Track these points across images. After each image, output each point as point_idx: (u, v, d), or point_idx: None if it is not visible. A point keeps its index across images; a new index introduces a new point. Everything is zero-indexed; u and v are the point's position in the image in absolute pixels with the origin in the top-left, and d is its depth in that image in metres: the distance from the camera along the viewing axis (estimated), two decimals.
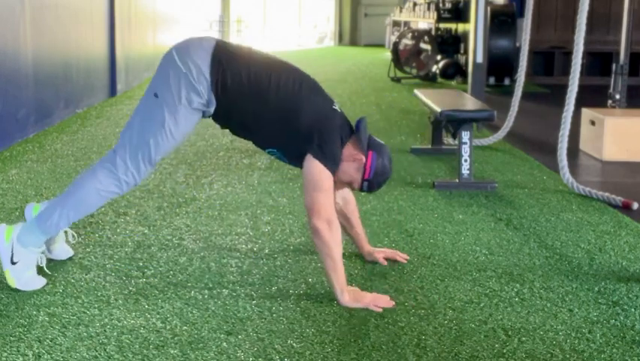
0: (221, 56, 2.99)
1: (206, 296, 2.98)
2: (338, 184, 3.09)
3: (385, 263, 3.38)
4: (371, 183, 3.06)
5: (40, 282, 3.05)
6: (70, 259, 3.35)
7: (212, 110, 3.01)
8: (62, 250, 3.36)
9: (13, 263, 2.99)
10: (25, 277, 3.01)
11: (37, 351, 2.49)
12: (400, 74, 12.01)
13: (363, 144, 3.03)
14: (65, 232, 3.40)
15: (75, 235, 3.49)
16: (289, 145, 3.05)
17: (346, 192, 3.36)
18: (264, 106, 2.99)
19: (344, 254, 3.46)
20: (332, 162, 2.97)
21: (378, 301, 2.90)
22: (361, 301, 2.89)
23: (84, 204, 3.07)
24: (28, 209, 3.29)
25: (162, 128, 2.97)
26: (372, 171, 3.03)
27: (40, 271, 3.10)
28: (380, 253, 3.43)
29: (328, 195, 2.95)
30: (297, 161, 3.07)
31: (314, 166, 2.95)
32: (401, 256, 3.45)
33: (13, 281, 2.98)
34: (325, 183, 2.95)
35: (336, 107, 3.07)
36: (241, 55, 3.07)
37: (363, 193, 4.66)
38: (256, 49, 3.20)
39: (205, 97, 2.97)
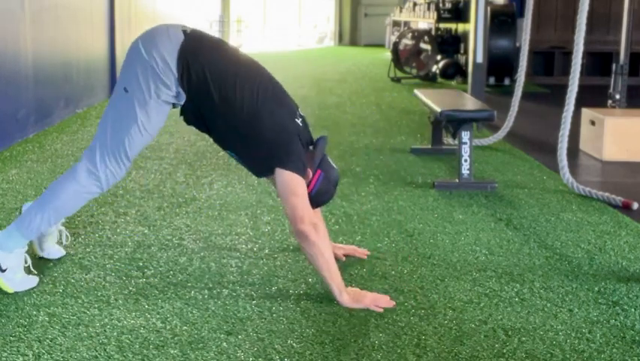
0: (187, 48, 2.93)
1: (206, 296, 2.98)
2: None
3: (344, 259, 3.39)
4: (310, 200, 3.03)
5: (33, 281, 3.04)
6: (70, 259, 3.35)
7: (182, 102, 2.97)
8: (54, 250, 3.36)
9: (2, 271, 2.98)
10: (17, 281, 3.00)
11: (37, 351, 2.49)
12: (400, 74, 12.01)
13: (315, 161, 3.06)
14: (60, 232, 3.40)
15: (69, 235, 3.49)
16: (247, 154, 3.05)
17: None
18: (225, 109, 2.95)
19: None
20: (300, 168, 2.98)
21: (378, 301, 2.90)
22: (362, 302, 2.89)
23: (65, 206, 3.06)
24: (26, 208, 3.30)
25: (135, 124, 2.94)
26: (315, 189, 3.05)
27: (35, 268, 3.10)
28: (339, 250, 3.44)
29: (305, 199, 2.96)
30: (256, 169, 3.12)
31: (285, 175, 2.96)
32: (360, 252, 3.47)
33: (7, 287, 2.97)
34: (299, 188, 2.96)
35: (298, 119, 3.06)
36: (209, 49, 3.00)
37: (363, 193, 4.66)
38: (225, 43, 3.15)
39: (173, 89, 2.93)
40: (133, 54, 2.98)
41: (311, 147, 3.12)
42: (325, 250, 2.90)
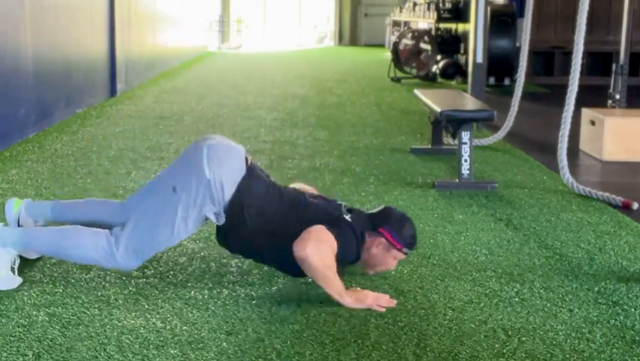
0: (245, 182, 3.02)
1: (206, 296, 2.98)
2: (368, 270, 3.19)
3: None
4: (408, 245, 3.11)
5: (16, 281, 3.04)
6: None
7: (220, 222, 3.03)
8: (32, 251, 3.34)
9: None
10: (1, 276, 3.00)
11: (37, 351, 2.49)
12: (399, 74, 12.00)
13: (368, 228, 3.08)
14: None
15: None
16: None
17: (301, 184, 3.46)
18: (266, 234, 3.02)
19: None
20: (346, 243, 2.95)
21: (379, 300, 2.90)
22: (363, 302, 2.89)
23: (71, 255, 3.09)
24: (9, 206, 3.33)
25: (171, 228, 3.00)
26: (398, 239, 3.07)
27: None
28: None
29: (328, 254, 2.89)
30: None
31: (320, 228, 2.93)
32: None
33: None
34: (328, 240, 2.91)
35: (346, 215, 3.08)
36: (258, 183, 3.08)
37: (363, 193, 4.66)
38: (278, 184, 3.21)
39: (216, 209, 3.00)
40: (195, 162, 3.02)
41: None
42: (324, 268, 2.87)
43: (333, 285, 2.90)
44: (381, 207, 3.24)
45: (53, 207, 3.36)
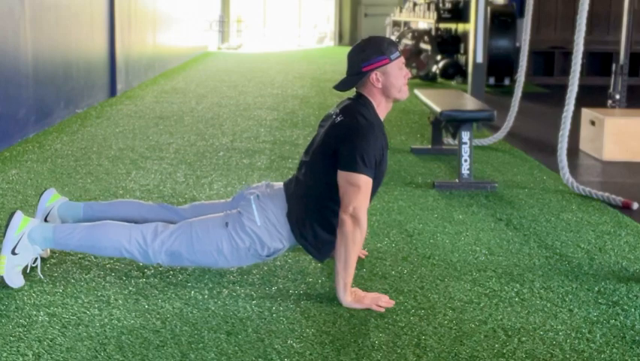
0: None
1: (206, 296, 2.98)
2: (396, 93, 3.08)
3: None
4: (390, 50, 3.03)
5: (20, 281, 3.03)
6: (70, 259, 3.35)
7: (272, 258, 3.14)
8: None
9: (13, 253, 3.00)
10: (12, 271, 3.00)
11: (37, 351, 2.49)
12: None
13: (358, 81, 3.05)
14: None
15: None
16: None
17: None
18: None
19: None
20: (368, 168, 2.93)
21: (378, 300, 2.90)
22: (362, 302, 2.88)
23: (102, 249, 3.11)
24: (47, 195, 3.37)
25: (212, 256, 3.06)
26: (378, 58, 3.01)
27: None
28: None
29: (365, 197, 2.93)
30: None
31: (350, 174, 2.91)
32: (361, 252, 3.47)
33: (2, 268, 2.97)
34: (363, 185, 2.92)
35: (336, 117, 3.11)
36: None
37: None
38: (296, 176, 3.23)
39: (266, 252, 3.08)
40: (246, 208, 3.08)
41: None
42: (351, 247, 2.88)
43: (348, 271, 2.89)
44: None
45: (85, 207, 3.39)
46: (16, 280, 3.01)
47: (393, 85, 3.05)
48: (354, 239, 2.89)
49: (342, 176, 2.92)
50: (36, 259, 3.10)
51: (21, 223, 3.05)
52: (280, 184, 3.20)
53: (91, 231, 3.10)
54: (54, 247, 3.12)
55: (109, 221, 3.16)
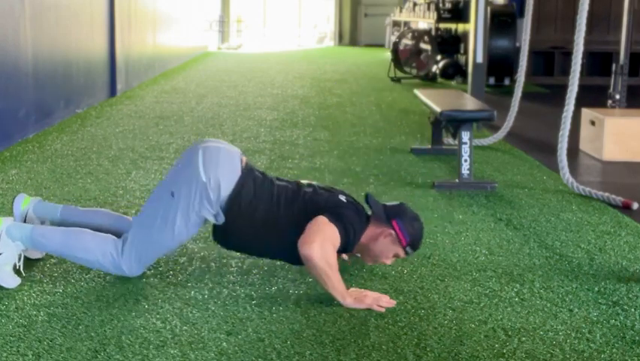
0: (242, 182, 3.04)
1: (206, 296, 2.98)
2: (367, 258, 3.17)
3: (346, 258, 3.39)
4: (413, 246, 3.10)
5: (15, 281, 3.04)
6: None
7: (219, 222, 3.05)
8: (35, 251, 3.33)
9: None
10: (2, 272, 3.01)
11: (37, 351, 2.49)
12: (399, 74, 12.01)
13: (382, 218, 3.08)
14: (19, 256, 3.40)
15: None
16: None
17: None
18: (269, 230, 3.05)
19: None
20: (343, 228, 2.95)
21: (379, 300, 2.90)
22: (363, 302, 2.89)
23: (78, 258, 3.13)
24: (19, 200, 3.36)
25: (171, 233, 3.04)
26: (407, 235, 3.06)
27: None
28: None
29: (330, 244, 2.91)
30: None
31: (318, 220, 2.94)
32: None
33: None
34: (331, 233, 2.92)
35: (343, 197, 3.12)
36: (257, 182, 3.10)
37: (363, 193, 4.66)
38: (275, 179, 3.20)
39: (215, 209, 3.02)
40: (190, 164, 3.05)
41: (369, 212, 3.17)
42: (328, 269, 2.87)
43: (336, 286, 2.90)
44: (398, 202, 3.22)
45: (63, 210, 3.39)
46: (9, 280, 3.01)
47: (382, 252, 3.10)
48: (328, 264, 2.89)
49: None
50: (20, 256, 3.09)
51: None
52: (247, 164, 3.15)
53: (68, 239, 3.11)
54: (32, 246, 3.12)
55: (86, 231, 3.15)
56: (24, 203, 3.38)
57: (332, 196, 3.11)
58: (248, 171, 3.11)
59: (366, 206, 3.18)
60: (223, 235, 3.12)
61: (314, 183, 3.26)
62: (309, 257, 2.85)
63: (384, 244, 3.07)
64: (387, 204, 3.18)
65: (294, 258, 2.97)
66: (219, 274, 3.23)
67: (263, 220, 3.04)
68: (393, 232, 3.06)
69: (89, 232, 3.15)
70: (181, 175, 3.07)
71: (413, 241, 3.08)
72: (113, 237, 3.12)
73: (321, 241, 2.87)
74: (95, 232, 3.15)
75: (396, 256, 3.13)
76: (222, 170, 3.03)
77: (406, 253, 3.11)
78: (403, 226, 3.06)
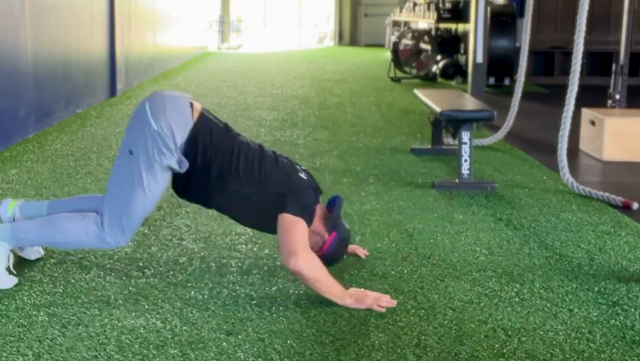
0: (196, 125, 3.03)
1: (206, 296, 2.98)
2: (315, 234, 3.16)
3: (346, 256, 3.40)
4: (325, 258, 3.09)
5: (11, 281, 3.03)
6: (70, 259, 3.35)
7: (183, 170, 3.03)
8: (32, 251, 3.34)
9: None
10: None
11: (37, 351, 2.49)
12: (399, 74, 12.01)
13: (331, 223, 3.11)
14: None
15: None
16: (254, 216, 3.11)
17: None
18: (231, 180, 3.03)
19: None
20: (305, 214, 3.01)
21: (380, 300, 2.90)
22: (364, 302, 2.89)
23: (62, 244, 3.16)
24: (4, 205, 3.33)
25: (141, 187, 3.01)
26: (330, 250, 3.10)
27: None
28: None
29: (304, 239, 2.96)
30: (264, 227, 3.16)
31: (286, 218, 2.98)
32: (362, 251, 3.49)
33: None
34: (299, 229, 2.97)
35: (302, 173, 3.13)
36: (211, 127, 3.09)
37: (363, 193, 4.66)
38: (223, 123, 3.20)
39: (176, 156, 3.01)
40: (140, 118, 3.05)
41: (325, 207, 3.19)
42: (321, 278, 2.91)
43: (331, 289, 2.91)
44: (340, 206, 3.19)
45: (49, 206, 3.37)
46: (4, 281, 3.01)
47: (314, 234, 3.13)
48: (318, 270, 2.92)
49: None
50: (9, 256, 3.08)
51: None
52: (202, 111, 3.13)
53: (48, 226, 3.10)
54: (15, 243, 3.11)
55: (64, 215, 3.14)
56: (9, 208, 3.34)
57: (293, 171, 3.11)
58: (204, 119, 3.08)
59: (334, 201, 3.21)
60: (180, 184, 3.10)
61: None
62: (299, 272, 2.90)
63: (311, 240, 3.07)
64: (341, 221, 3.21)
65: (244, 218, 3.08)
66: (219, 274, 3.23)
67: (218, 174, 3.03)
68: (326, 238, 3.10)
69: (67, 214, 3.13)
70: (133, 131, 3.05)
71: (328, 256, 3.10)
72: (93, 214, 3.09)
73: (303, 252, 2.91)
74: (73, 213, 3.14)
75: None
76: (171, 114, 3.01)
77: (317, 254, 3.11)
78: (335, 240, 3.10)
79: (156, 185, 3.03)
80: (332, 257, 3.14)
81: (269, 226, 3.08)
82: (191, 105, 3.09)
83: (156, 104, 3.05)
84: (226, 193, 3.06)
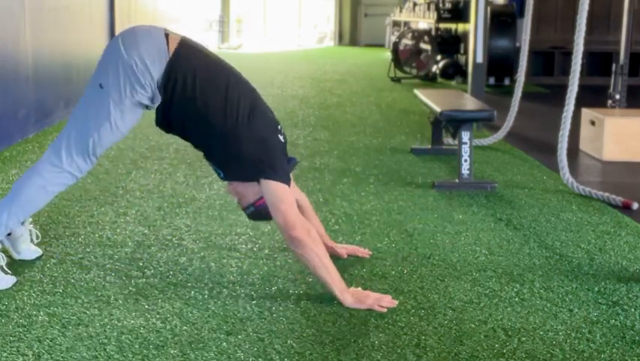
0: (171, 55, 2.93)
1: (206, 296, 2.98)
2: (238, 188, 3.10)
3: (346, 257, 3.40)
4: (256, 211, 3.08)
5: (10, 281, 3.03)
6: (70, 259, 3.35)
7: (155, 105, 2.97)
8: (29, 251, 3.33)
9: None
10: None
11: (37, 351, 2.49)
12: (399, 74, 12.00)
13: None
14: (30, 232, 3.38)
15: (38, 233, 3.49)
16: (227, 164, 3.05)
17: (296, 189, 3.39)
18: (210, 117, 2.95)
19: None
20: (284, 177, 2.99)
21: (381, 301, 2.90)
22: (364, 302, 2.88)
23: (31, 202, 3.09)
24: None
25: (107, 122, 2.96)
26: (264, 205, 3.04)
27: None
28: (342, 250, 3.46)
29: (294, 207, 2.97)
30: (234, 176, 3.07)
31: (271, 185, 2.96)
32: (362, 252, 3.48)
33: None
34: (287, 196, 2.97)
35: (280, 135, 3.08)
36: (195, 55, 3.01)
37: (363, 193, 4.66)
38: (207, 49, 3.13)
39: (149, 91, 2.93)
40: (112, 51, 2.98)
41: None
42: (322, 255, 2.90)
43: (334, 280, 2.90)
44: (293, 167, 3.13)
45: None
46: (2, 282, 3.00)
47: (247, 197, 3.09)
48: (319, 246, 2.91)
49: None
50: (2, 257, 3.06)
51: None
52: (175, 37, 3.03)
53: (11, 198, 3.07)
54: None
55: (15, 182, 3.11)
56: None
57: (273, 135, 3.04)
58: (183, 50, 2.97)
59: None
60: (162, 118, 3.03)
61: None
62: (302, 246, 2.87)
63: (253, 186, 3.02)
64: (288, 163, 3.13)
65: (220, 162, 3.03)
66: (219, 274, 3.23)
67: (198, 108, 2.94)
68: (258, 200, 3.03)
69: (19, 179, 3.10)
70: (105, 65, 2.98)
71: (261, 210, 3.04)
72: (40, 159, 3.05)
73: (304, 231, 2.88)
74: (23, 176, 3.11)
75: (237, 196, 3.10)
76: (144, 46, 2.91)
77: (245, 208, 3.10)
78: (264, 204, 3.03)
79: (123, 121, 2.97)
80: (263, 213, 3.05)
81: (236, 172, 3.02)
82: (167, 36, 2.98)
83: (128, 37, 2.97)
84: (204, 128, 2.97)
